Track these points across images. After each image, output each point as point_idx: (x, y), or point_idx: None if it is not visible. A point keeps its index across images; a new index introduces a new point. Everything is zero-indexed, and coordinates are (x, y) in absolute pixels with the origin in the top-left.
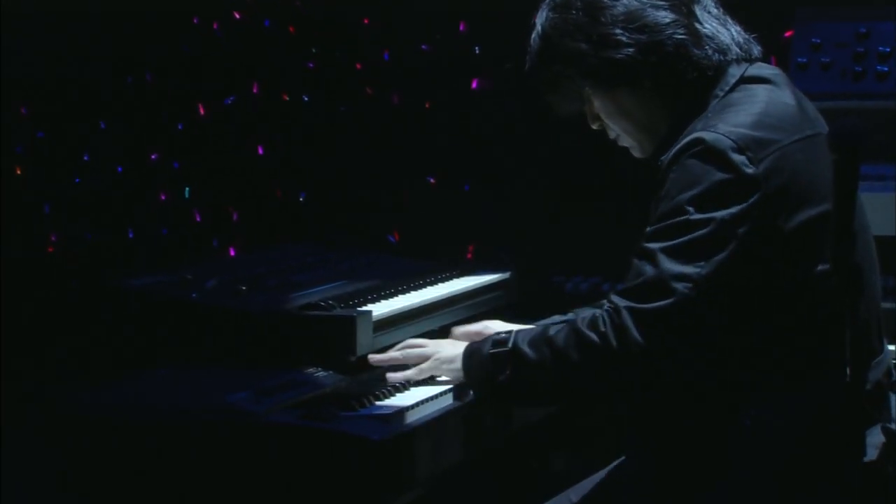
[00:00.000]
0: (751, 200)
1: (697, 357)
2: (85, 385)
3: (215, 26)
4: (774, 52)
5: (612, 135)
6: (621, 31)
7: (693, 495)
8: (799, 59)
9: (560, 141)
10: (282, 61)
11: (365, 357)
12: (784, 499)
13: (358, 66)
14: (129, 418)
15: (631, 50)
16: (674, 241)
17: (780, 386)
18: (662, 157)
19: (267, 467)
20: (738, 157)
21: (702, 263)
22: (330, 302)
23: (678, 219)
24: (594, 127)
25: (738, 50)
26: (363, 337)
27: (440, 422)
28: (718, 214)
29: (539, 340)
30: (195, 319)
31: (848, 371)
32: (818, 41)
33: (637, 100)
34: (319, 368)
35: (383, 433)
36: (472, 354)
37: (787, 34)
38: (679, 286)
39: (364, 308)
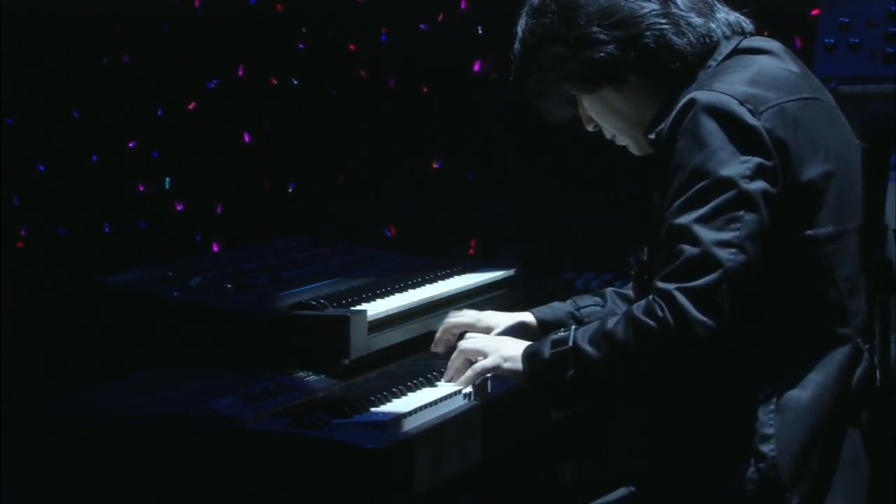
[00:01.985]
0: (762, 151)
1: (751, 324)
2: (59, 390)
3: (197, 4)
4: (799, 31)
5: (608, 135)
6: (598, 30)
7: (721, 474)
8: (826, 40)
9: (570, 128)
10: (269, 42)
11: (359, 360)
12: (815, 472)
13: (352, 47)
14: (106, 425)
15: (610, 47)
16: (704, 209)
17: (803, 358)
18: (658, 129)
19: (253, 478)
20: (740, 109)
21: (738, 225)
22: (322, 301)
23: (700, 184)
24: (589, 129)
25: (725, 29)
26: (357, 338)
27: (440, 429)
28: (737, 170)
29: (598, 336)
30: (177, 319)
31: (877, 354)
32: (846, 20)
33: (624, 96)
34: (310, 372)
35: (379, 441)
36: (532, 357)
37: (814, 12)
38: (723, 253)
39: (358, 307)
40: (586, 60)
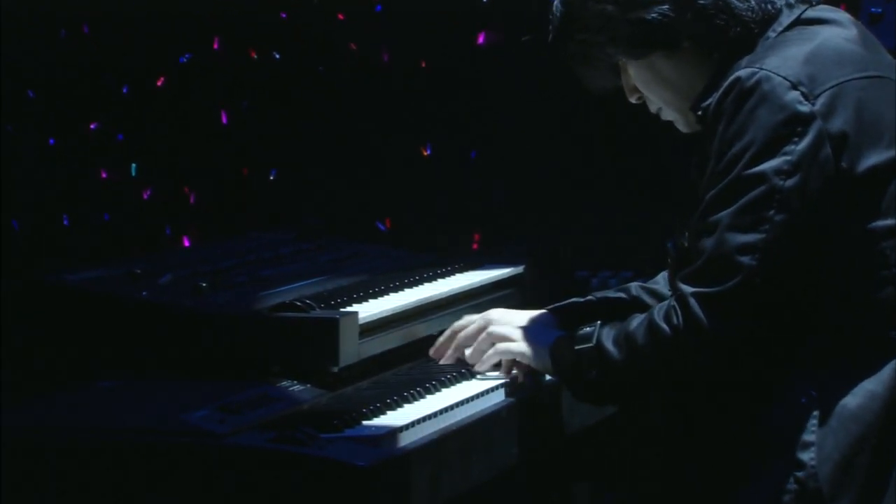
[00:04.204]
0: (808, 142)
1: (775, 335)
2: (12, 402)
3: None
4: (844, 0)
5: (653, 108)
6: None
7: (756, 484)
8: (872, 10)
9: (583, 113)
10: (248, 11)
11: (349, 367)
12: (860, 485)
13: (340, 16)
14: (65, 441)
15: (664, 8)
16: (732, 206)
17: (853, 362)
18: (704, 104)
19: (231, 499)
20: (790, 95)
21: (765, 227)
22: (307, 301)
23: (730, 177)
24: (633, 100)
25: None
26: (347, 343)
27: (440, 445)
28: (773, 164)
29: (621, 337)
30: (146, 322)
31: None
32: None
33: (675, 63)
34: (295, 381)
35: (372, 458)
36: (559, 349)
37: None
38: (744, 259)
39: (348, 309)
40: (638, 21)
